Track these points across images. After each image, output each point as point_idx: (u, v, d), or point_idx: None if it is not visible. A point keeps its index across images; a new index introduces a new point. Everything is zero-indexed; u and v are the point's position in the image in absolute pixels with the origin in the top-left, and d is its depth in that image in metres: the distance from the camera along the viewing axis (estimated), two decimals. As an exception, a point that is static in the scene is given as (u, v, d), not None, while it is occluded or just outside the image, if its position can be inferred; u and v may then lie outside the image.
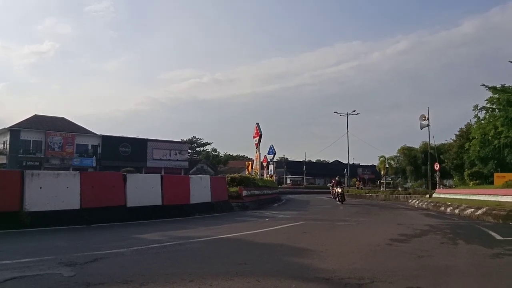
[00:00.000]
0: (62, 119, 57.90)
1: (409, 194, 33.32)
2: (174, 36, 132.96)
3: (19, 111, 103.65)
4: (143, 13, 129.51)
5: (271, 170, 38.75)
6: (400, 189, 44.66)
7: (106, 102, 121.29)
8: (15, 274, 4.58)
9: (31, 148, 52.19)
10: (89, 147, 57.03)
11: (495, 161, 30.20)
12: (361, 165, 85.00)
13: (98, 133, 58.66)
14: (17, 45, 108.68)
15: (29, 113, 59.14)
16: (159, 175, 14.95)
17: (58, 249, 6.45)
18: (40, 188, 9.42)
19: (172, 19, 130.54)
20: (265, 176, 34.36)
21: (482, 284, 4.73)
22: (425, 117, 30.72)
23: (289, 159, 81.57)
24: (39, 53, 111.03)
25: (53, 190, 9.61)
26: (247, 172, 34.09)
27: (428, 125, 30.82)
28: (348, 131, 49.11)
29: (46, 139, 52.78)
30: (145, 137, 62.43)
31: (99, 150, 57.45)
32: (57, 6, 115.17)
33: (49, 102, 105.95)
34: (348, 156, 50.24)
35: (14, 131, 51.48)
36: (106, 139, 58.02)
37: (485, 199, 18.04)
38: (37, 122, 53.83)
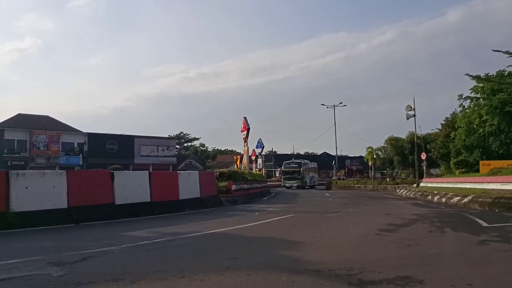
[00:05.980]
0: (47, 117, 56.92)
1: (397, 184, 33.72)
2: (158, 30, 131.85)
3: (2, 110, 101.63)
4: (126, 8, 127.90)
5: (259, 163, 38.88)
6: (388, 179, 45.17)
7: (91, 99, 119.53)
8: (3, 276, 4.52)
9: (15, 148, 51.20)
10: (75, 145, 56.14)
11: (481, 149, 30.60)
12: (349, 156, 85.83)
13: (84, 130, 57.81)
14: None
15: (12, 112, 58.08)
16: (147, 171, 14.88)
17: (46, 249, 6.37)
18: (26, 188, 9.29)
19: (155, 13, 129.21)
20: (254, 170, 34.46)
21: (469, 271, 4.80)
22: (411, 108, 31.05)
23: (277, 152, 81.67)
24: (21, 49, 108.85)
25: (40, 189, 9.47)
26: (235, 167, 34.06)
27: (414, 115, 31.16)
28: (335, 123, 49.37)
29: (31, 138, 51.85)
30: (132, 134, 61.82)
31: (86, 147, 56.62)
32: (37, 2, 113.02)
33: (32, 99, 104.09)
34: (336, 147, 50.59)
35: (-2, 130, 50.54)
36: (92, 137, 57.19)
37: (471, 187, 18.36)
38: (21, 121, 52.85)
